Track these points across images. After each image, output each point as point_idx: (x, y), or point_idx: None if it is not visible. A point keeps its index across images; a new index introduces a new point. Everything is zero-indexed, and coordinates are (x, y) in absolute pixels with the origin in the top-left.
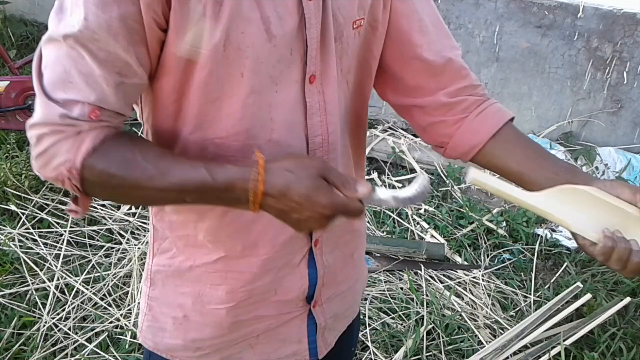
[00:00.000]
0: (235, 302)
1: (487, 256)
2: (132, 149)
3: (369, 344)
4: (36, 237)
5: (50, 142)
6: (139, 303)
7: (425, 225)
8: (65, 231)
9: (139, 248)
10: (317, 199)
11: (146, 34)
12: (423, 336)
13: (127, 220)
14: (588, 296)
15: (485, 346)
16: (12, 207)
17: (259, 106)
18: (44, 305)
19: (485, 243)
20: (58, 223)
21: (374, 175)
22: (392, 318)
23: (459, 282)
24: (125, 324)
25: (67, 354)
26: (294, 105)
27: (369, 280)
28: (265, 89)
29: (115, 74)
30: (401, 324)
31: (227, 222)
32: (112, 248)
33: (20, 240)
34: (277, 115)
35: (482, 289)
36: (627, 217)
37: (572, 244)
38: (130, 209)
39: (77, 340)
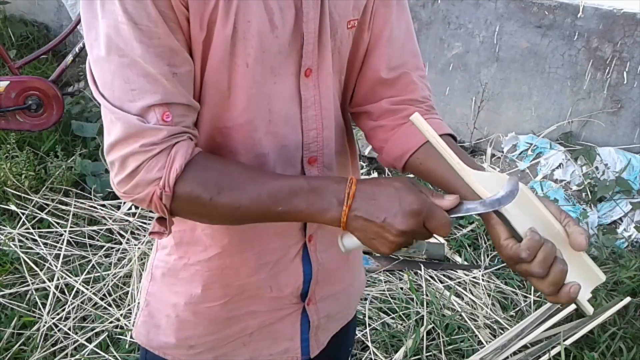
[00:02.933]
0: (229, 297)
1: (487, 256)
2: (224, 161)
3: (369, 344)
4: (36, 237)
5: (139, 162)
6: (139, 303)
7: None
8: (65, 231)
9: (139, 248)
10: (406, 195)
11: (179, 20)
12: (423, 336)
13: (127, 220)
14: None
15: (485, 346)
16: (12, 207)
17: (259, 97)
18: (44, 305)
19: (485, 243)
20: (58, 223)
21: (374, 175)
22: (392, 318)
23: (459, 282)
24: (125, 324)
25: (67, 354)
26: (290, 98)
27: (368, 280)
28: (265, 79)
29: (167, 66)
30: (401, 324)
31: None
32: (112, 248)
33: (20, 240)
34: (275, 106)
35: (482, 289)
36: (552, 230)
37: None
38: (130, 208)
39: (77, 340)
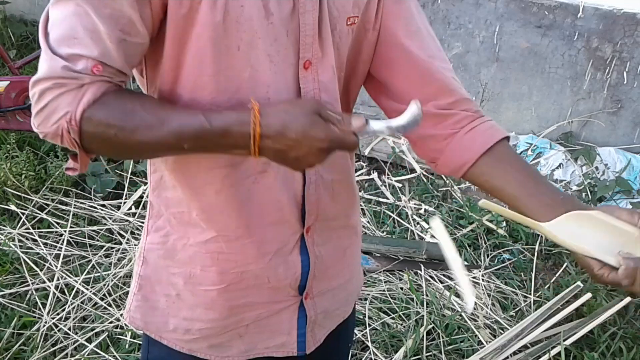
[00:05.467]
0: (226, 284)
1: (487, 256)
2: (132, 99)
3: (369, 344)
4: (36, 237)
5: (52, 96)
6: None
7: (425, 225)
8: (65, 231)
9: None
10: (314, 134)
11: None
12: (423, 336)
13: (127, 220)
14: (588, 296)
15: (485, 346)
16: (12, 207)
17: (255, 82)
18: (44, 305)
19: (485, 243)
20: (58, 223)
21: (374, 175)
22: (392, 318)
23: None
24: (125, 324)
25: (67, 354)
26: (289, 89)
27: (368, 280)
28: (262, 66)
29: (119, 31)
30: (401, 324)
31: (222, 200)
32: (112, 248)
33: (20, 240)
34: (274, 95)
35: (482, 289)
36: (631, 238)
37: None
38: (130, 208)
39: (77, 340)
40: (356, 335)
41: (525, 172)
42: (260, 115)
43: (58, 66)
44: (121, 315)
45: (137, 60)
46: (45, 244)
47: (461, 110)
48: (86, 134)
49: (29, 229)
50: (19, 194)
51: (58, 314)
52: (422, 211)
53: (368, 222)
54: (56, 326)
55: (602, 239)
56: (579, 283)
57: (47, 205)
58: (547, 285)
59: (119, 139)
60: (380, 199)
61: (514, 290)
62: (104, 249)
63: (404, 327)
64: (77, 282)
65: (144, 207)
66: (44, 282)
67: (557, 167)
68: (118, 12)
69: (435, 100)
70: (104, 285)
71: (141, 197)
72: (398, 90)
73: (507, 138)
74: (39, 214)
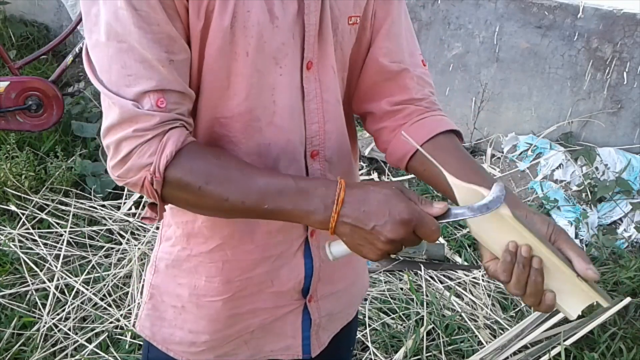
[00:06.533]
0: (231, 293)
1: None
2: (216, 153)
3: (369, 344)
4: (36, 238)
5: (132, 147)
6: (139, 303)
7: None
8: (65, 231)
9: (139, 248)
10: (396, 204)
11: (177, 8)
12: (423, 336)
13: (127, 221)
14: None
15: (485, 346)
16: (12, 208)
17: (262, 87)
18: (44, 305)
19: None
20: (58, 223)
21: (374, 175)
22: (392, 318)
23: (459, 283)
24: (125, 324)
25: (67, 355)
26: (294, 90)
27: (369, 280)
28: (268, 70)
29: (164, 52)
30: (401, 324)
31: None
32: (112, 248)
33: (20, 241)
34: (280, 98)
35: (482, 289)
36: (534, 244)
37: None
38: (130, 209)
39: (77, 341)
40: (356, 335)
41: (464, 162)
42: (346, 185)
43: (128, 107)
44: (121, 315)
45: (187, 77)
46: (45, 244)
47: (413, 105)
48: (169, 184)
49: (29, 229)
50: (19, 194)
51: (58, 314)
52: None
53: None
54: (56, 326)
55: (499, 232)
56: None
57: (47, 205)
58: None
59: (202, 191)
60: None
61: None
62: (104, 249)
63: (404, 327)
64: (77, 282)
65: (144, 208)
66: (44, 282)
67: (557, 168)
68: (158, 34)
69: (389, 97)
70: (104, 285)
71: (141, 197)
72: (362, 88)
73: (457, 133)
74: (39, 214)
